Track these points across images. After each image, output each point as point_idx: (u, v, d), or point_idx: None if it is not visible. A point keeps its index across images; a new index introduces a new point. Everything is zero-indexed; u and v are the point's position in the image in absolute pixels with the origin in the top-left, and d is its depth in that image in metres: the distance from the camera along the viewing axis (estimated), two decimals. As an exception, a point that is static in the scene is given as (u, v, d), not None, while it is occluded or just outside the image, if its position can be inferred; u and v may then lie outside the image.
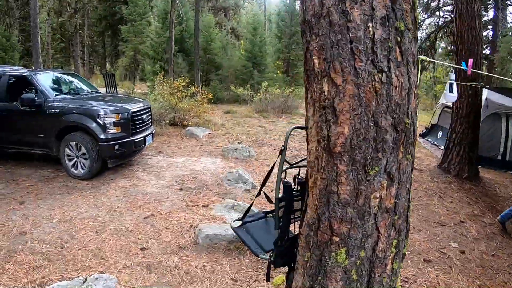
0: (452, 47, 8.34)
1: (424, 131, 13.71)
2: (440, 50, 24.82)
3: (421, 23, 21.03)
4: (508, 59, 17.11)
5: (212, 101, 12.97)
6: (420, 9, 20.07)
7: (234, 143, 9.71)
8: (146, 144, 7.53)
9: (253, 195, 5.67)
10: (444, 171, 7.93)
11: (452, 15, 18.08)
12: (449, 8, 20.26)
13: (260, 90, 16.96)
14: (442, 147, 10.88)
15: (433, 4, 20.26)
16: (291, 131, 2.35)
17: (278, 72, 23.93)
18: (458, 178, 7.64)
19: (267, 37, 24.85)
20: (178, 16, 19.18)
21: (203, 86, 16.27)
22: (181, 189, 6.27)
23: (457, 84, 7.66)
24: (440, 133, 12.10)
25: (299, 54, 25.63)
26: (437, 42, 21.57)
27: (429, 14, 20.58)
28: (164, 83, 12.08)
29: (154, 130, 8.33)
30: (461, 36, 7.48)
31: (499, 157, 9.62)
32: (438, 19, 20.69)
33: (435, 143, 11.91)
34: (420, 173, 7.89)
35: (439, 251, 4.70)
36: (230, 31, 25.41)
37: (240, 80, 20.80)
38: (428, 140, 12.63)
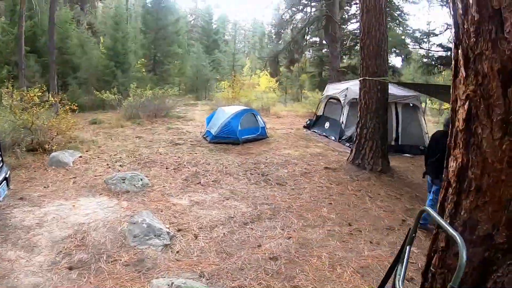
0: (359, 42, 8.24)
1: (308, 122, 14.04)
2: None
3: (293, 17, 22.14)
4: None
5: (77, 111, 10.41)
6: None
7: (116, 167, 7.75)
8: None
9: (177, 252, 4.29)
10: (359, 167, 7.93)
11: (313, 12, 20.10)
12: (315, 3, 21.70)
13: (129, 93, 15.02)
14: (333, 138, 11.24)
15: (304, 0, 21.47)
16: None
17: (143, 71, 21.90)
18: (374, 172, 7.73)
19: (131, 32, 22.71)
20: (29, 9, 15.78)
21: (60, 92, 12.86)
22: (70, 268, 3.84)
23: (364, 80, 7.74)
24: (327, 124, 12.49)
25: (166, 50, 24.25)
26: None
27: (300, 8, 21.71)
28: (15, 95, 9.04)
29: (9, 173, 5.30)
30: (369, 32, 7.51)
31: (393, 143, 10.29)
32: (308, 14, 22.07)
33: (324, 133, 12.24)
34: (336, 173, 7.74)
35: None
36: (87, 26, 22.27)
37: (103, 82, 18.36)
38: (315, 131, 12.91)
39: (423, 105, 12.66)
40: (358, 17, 9.41)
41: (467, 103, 1.49)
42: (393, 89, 9.72)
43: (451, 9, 1.59)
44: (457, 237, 1.34)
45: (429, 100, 18.25)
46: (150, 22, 24.31)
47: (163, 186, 6.65)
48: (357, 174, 7.64)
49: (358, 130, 8.12)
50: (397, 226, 5.37)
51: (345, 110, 11.20)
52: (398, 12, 17.89)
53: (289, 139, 11.48)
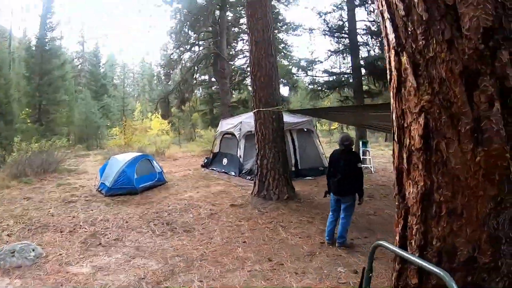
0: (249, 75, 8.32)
1: (205, 161, 13.74)
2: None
3: (181, 57, 22.01)
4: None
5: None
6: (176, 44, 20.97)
7: (3, 237, 6.22)
8: None
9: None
10: (265, 199, 7.79)
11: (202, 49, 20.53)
12: (202, 42, 21.99)
13: (14, 148, 12.97)
14: (233, 173, 11.13)
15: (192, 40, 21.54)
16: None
17: (29, 121, 19.59)
18: (281, 201, 7.67)
19: (14, 79, 20.15)
20: None
21: None
22: None
23: (258, 111, 7.77)
24: (225, 160, 12.33)
25: (52, 97, 22.03)
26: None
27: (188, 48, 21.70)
28: None
29: None
30: (259, 63, 7.60)
31: (293, 168, 10.58)
32: (196, 53, 22.20)
33: (223, 170, 12.03)
34: (243, 209, 7.44)
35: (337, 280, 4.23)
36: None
37: (-18, 137, 15.50)
38: (213, 169, 12.65)
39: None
40: (245, 53, 9.60)
41: (422, 116, 1.29)
42: (286, 117, 10.07)
43: (386, 13, 1.43)
44: (443, 274, 1.12)
45: (318, 123, 19.70)
46: (34, 67, 21.63)
47: (60, 254, 5.41)
48: (264, 206, 7.47)
49: (259, 161, 8.04)
50: (317, 250, 5.27)
51: (241, 144, 11.17)
52: (282, 45, 19.27)
53: (189, 181, 10.90)
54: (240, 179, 10.61)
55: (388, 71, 1.48)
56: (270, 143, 7.84)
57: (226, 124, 12.95)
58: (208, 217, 7.03)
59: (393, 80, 1.43)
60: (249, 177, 10.23)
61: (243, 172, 10.87)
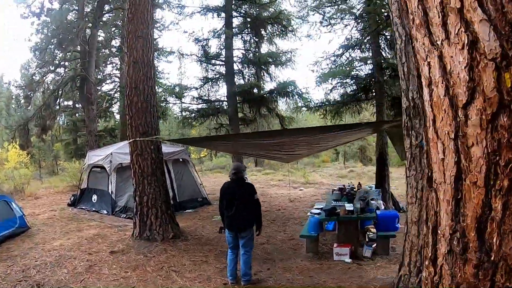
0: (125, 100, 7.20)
1: (72, 198, 11.56)
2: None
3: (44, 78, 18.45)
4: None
5: None
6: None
7: None
8: None
9: None
10: (149, 240, 6.75)
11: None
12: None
13: None
14: (105, 212, 9.69)
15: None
16: None
17: None
18: (167, 241, 6.78)
19: None
20: None
21: None
22: None
23: (135, 142, 6.81)
24: (95, 196, 10.63)
25: None
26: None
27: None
28: None
29: None
30: (136, 87, 6.65)
31: (172, 201, 9.70)
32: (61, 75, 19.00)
33: (94, 208, 10.32)
34: (126, 256, 6.22)
35: None
36: None
37: None
38: (82, 208, 10.74)
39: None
40: (114, 77, 8.33)
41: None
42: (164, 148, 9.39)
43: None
44: None
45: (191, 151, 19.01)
46: None
47: None
48: (150, 249, 6.45)
49: (138, 198, 6.98)
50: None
51: (113, 178, 9.74)
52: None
53: (56, 225, 8.71)
54: (115, 218, 9.14)
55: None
56: (149, 177, 6.91)
57: (94, 156, 11.12)
58: (87, 270, 5.61)
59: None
60: (124, 215, 8.95)
61: (117, 210, 9.45)
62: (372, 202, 6.35)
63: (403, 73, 4.31)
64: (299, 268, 5.71)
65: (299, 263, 5.91)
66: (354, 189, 7.60)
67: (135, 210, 7.10)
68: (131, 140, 6.97)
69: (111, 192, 9.70)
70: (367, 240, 6.65)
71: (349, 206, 5.95)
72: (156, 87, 12.28)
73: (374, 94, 9.91)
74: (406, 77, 4.27)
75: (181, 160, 10.43)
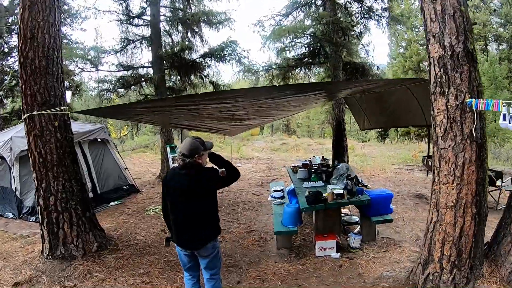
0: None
1: None
2: None
3: None
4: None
5: None
6: None
7: None
8: None
9: None
10: (65, 259, 4.59)
11: None
12: None
13: None
14: (11, 215, 7.12)
15: None
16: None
17: None
18: (90, 257, 4.74)
19: None
20: None
21: None
22: None
23: (31, 117, 4.56)
24: None
25: None
26: None
27: None
28: None
29: None
30: (33, 37, 4.28)
31: (91, 195, 7.47)
32: None
33: None
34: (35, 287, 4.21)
35: None
36: None
37: None
38: None
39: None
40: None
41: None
42: (73, 125, 7.00)
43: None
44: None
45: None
46: None
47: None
48: (68, 274, 4.30)
49: (41, 201, 4.71)
50: None
51: (15, 170, 7.05)
52: (65, 41, 14.02)
53: None
54: (23, 224, 6.64)
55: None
56: (55, 168, 4.68)
57: None
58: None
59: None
60: (34, 218, 6.53)
61: (24, 212, 6.90)
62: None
63: (434, 12, 3.20)
64: (278, 273, 4.28)
65: (275, 267, 4.47)
66: (324, 164, 6.33)
67: (40, 218, 4.86)
68: (25, 116, 4.66)
69: (15, 189, 7.01)
70: (345, 225, 5.52)
71: (337, 189, 4.61)
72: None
73: (327, 57, 8.64)
74: (439, 18, 3.17)
75: (99, 140, 8.06)
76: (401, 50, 26.44)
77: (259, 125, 8.28)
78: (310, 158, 7.04)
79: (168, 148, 10.06)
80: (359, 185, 5.42)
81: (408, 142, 19.11)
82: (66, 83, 11.10)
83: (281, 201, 5.90)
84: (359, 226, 5.26)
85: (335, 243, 4.64)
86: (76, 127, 7.29)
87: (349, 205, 5.67)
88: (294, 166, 6.58)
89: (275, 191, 6.58)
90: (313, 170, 5.99)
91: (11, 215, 7.13)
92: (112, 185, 8.10)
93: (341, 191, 4.52)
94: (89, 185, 7.43)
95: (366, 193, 4.93)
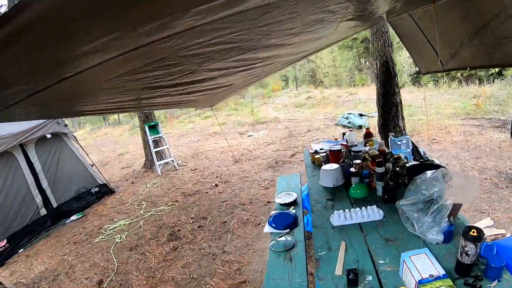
0: None
1: None
2: None
3: None
4: None
5: None
6: None
7: None
8: None
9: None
10: None
11: None
12: None
13: None
14: None
15: None
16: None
17: None
18: None
19: None
20: None
21: None
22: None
23: None
24: None
25: None
26: None
27: None
28: None
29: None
30: None
31: (43, 212, 5.36)
32: None
33: None
34: None
35: None
36: None
37: None
38: None
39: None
40: None
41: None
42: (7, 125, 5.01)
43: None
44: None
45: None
46: None
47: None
48: None
49: None
50: None
51: None
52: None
53: None
54: None
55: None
56: None
57: None
58: None
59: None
60: None
61: None
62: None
63: None
64: None
65: None
66: (379, 153, 2.59)
67: None
68: None
69: None
70: None
71: (427, 269, 1.60)
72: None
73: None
74: None
75: (48, 136, 5.78)
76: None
77: (241, 86, 4.74)
78: (344, 134, 3.59)
79: (147, 128, 7.47)
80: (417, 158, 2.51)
81: (455, 85, 13.78)
82: None
83: (286, 239, 2.49)
84: None
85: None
86: (13, 126, 5.12)
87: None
88: (315, 153, 3.49)
89: (279, 197, 3.25)
90: (352, 166, 2.69)
91: None
92: (75, 191, 5.90)
93: (440, 271, 1.56)
94: (37, 199, 5.29)
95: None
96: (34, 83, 1.69)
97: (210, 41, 1.94)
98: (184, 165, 7.63)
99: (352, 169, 2.63)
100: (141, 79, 2.47)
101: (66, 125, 6.10)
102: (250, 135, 9.59)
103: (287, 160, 6.54)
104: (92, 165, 6.37)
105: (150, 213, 5.12)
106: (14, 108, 2.07)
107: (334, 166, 2.80)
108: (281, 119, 11.68)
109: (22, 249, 4.79)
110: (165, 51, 1.89)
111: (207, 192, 5.58)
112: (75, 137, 6.21)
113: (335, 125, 9.10)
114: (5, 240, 4.69)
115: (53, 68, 1.53)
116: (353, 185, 2.55)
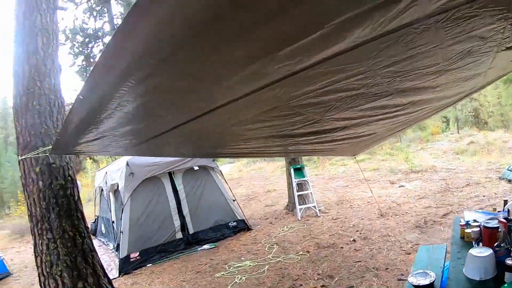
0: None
1: (92, 226, 8.54)
2: None
3: None
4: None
5: None
6: None
7: None
8: None
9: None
10: None
11: None
12: None
13: None
14: (111, 247, 6.58)
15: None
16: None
17: None
18: None
19: None
20: None
21: None
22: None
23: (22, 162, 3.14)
24: (103, 227, 7.84)
25: None
26: None
27: None
28: None
29: None
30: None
31: (179, 235, 5.93)
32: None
33: (105, 240, 7.47)
34: None
35: None
36: None
37: None
38: (100, 239, 7.80)
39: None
40: None
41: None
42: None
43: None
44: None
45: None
46: None
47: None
48: None
49: (37, 260, 3.42)
50: None
51: (111, 203, 6.65)
52: None
53: None
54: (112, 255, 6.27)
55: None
56: (39, 224, 3.25)
57: (99, 175, 8.43)
58: None
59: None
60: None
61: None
62: None
63: None
64: None
65: None
66: None
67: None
68: (19, 159, 3.50)
69: (112, 221, 6.49)
70: None
71: None
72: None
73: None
74: None
75: (196, 168, 6.48)
76: None
77: (386, 135, 4.25)
78: (506, 203, 2.73)
79: (292, 170, 7.66)
80: None
81: None
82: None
83: None
84: None
85: None
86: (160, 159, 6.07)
87: None
88: (466, 225, 2.59)
89: (414, 285, 2.35)
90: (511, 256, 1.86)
91: (111, 246, 6.69)
92: (213, 222, 6.33)
93: None
94: (176, 223, 5.92)
95: None
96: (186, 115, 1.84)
97: (323, 88, 1.73)
98: (326, 212, 7.28)
99: (509, 261, 1.87)
100: (259, 128, 2.43)
101: (214, 160, 6.74)
102: (402, 186, 8.59)
103: (437, 221, 5.47)
104: (233, 200, 6.74)
105: (278, 259, 4.92)
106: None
107: (486, 251, 2.08)
108: (437, 168, 10.07)
109: (150, 264, 5.38)
110: (273, 101, 1.79)
111: (342, 247, 5.07)
112: (221, 172, 6.80)
113: (499, 178, 7.41)
114: (138, 253, 5.37)
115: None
116: (506, 284, 1.82)
